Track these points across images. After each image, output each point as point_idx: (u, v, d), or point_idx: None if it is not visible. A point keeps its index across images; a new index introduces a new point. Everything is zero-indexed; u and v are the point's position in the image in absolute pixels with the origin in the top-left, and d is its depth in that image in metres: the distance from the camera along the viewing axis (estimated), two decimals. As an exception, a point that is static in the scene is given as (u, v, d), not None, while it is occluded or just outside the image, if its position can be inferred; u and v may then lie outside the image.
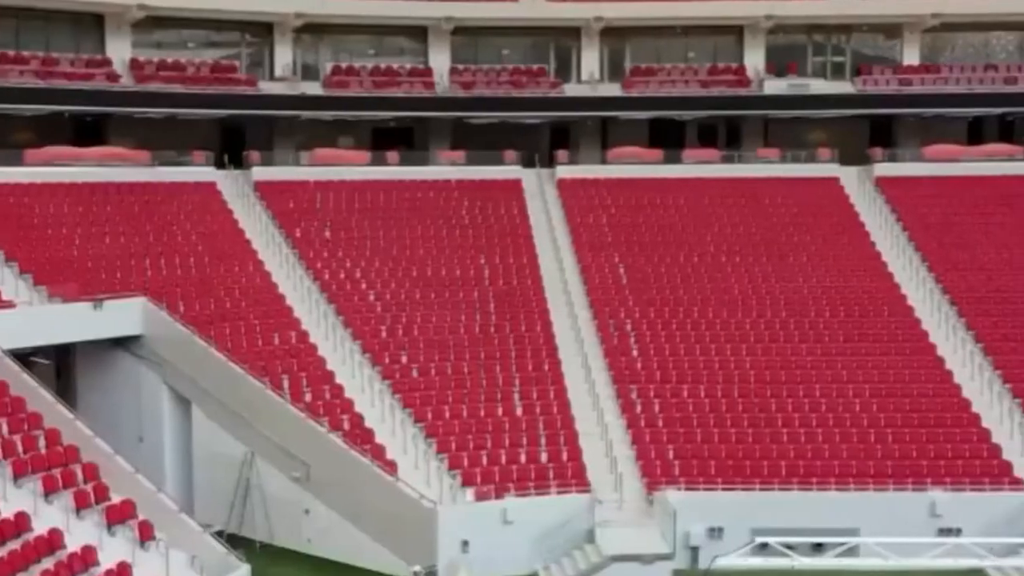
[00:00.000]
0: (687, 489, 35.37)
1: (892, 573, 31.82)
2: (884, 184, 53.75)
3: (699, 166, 55.11)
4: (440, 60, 57.48)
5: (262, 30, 55.82)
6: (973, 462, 36.63)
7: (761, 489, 35.41)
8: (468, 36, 58.31)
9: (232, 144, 54.44)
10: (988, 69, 58.14)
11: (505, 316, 44.28)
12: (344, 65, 56.96)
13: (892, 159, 55.80)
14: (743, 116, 58.49)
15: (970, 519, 34.14)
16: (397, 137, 58.90)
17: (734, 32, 58.47)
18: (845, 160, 55.25)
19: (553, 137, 58.86)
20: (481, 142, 56.33)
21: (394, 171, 53.65)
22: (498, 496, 34.46)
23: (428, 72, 57.19)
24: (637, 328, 43.81)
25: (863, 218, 51.59)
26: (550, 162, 55.07)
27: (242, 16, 53.68)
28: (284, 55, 55.71)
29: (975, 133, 60.19)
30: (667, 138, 58.88)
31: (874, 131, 59.15)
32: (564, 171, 54.27)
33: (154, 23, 53.21)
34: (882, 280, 46.90)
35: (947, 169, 54.57)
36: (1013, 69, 58.04)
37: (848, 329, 43.58)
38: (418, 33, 57.58)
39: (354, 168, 53.37)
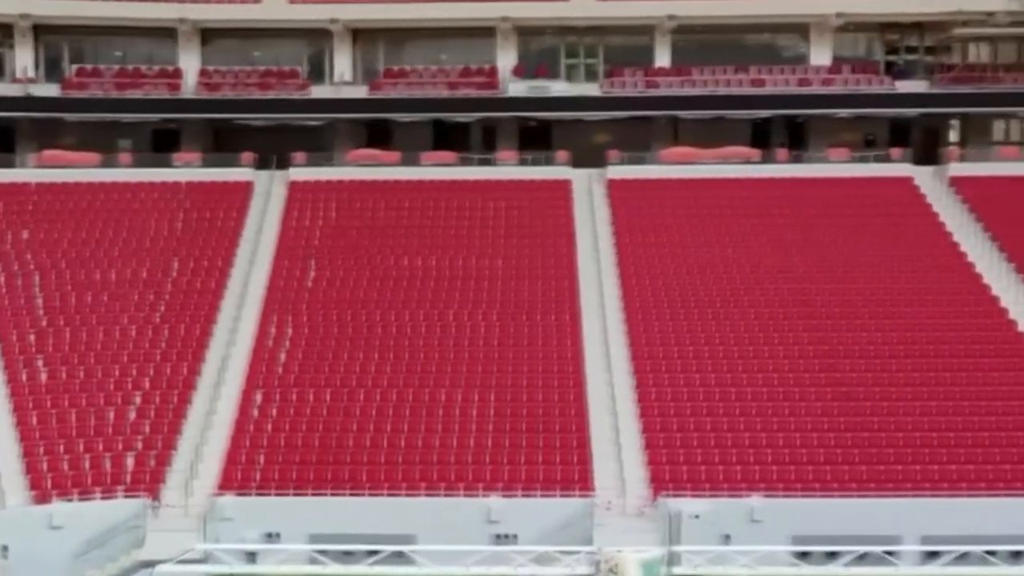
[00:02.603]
0: (258, 494, 35.27)
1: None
2: (613, 187, 53.48)
3: (437, 168, 54.86)
4: (190, 62, 57.54)
5: (1, 31, 56.03)
6: (555, 467, 36.43)
7: (330, 494, 35.23)
8: (223, 39, 58.41)
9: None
10: (739, 71, 57.64)
11: (170, 319, 44.23)
12: (89, 67, 57.06)
13: (639, 162, 55.32)
14: (497, 118, 58.09)
15: (526, 525, 33.91)
16: (177, 139, 59.15)
17: (487, 34, 58.19)
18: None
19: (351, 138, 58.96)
20: (244, 144, 56.40)
21: (127, 173, 53.88)
22: (61, 498, 34.43)
23: (177, 74, 57.26)
24: (297, 332, 43.68)
25: (577, 221, 51.34)
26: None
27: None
28: (24, 56, 55.88)
29: (761, 136, 59.85)
30: (454, 140, 58.98)
31: (676, 132, 58.65)
32: (298, 173, 54.18)
33: None
34: (564, 281, 46.67)
35: (683, 172, 54.17)
36: (764, 71, 57.42)
37: (500, 332, 43.43)
38: (168, 35, 57.59)
39: (85, 170, 53.41)
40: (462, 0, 55.97)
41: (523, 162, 55.79)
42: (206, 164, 55.02)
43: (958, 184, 52.70)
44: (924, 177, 53.56)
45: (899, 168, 53.96)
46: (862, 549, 31.75)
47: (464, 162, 55.64)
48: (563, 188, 53.58)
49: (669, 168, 54.46)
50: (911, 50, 58.37)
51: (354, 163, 55.53)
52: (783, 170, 54.37)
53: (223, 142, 57.89)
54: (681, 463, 36.45)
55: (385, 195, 52.94)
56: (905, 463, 36.12)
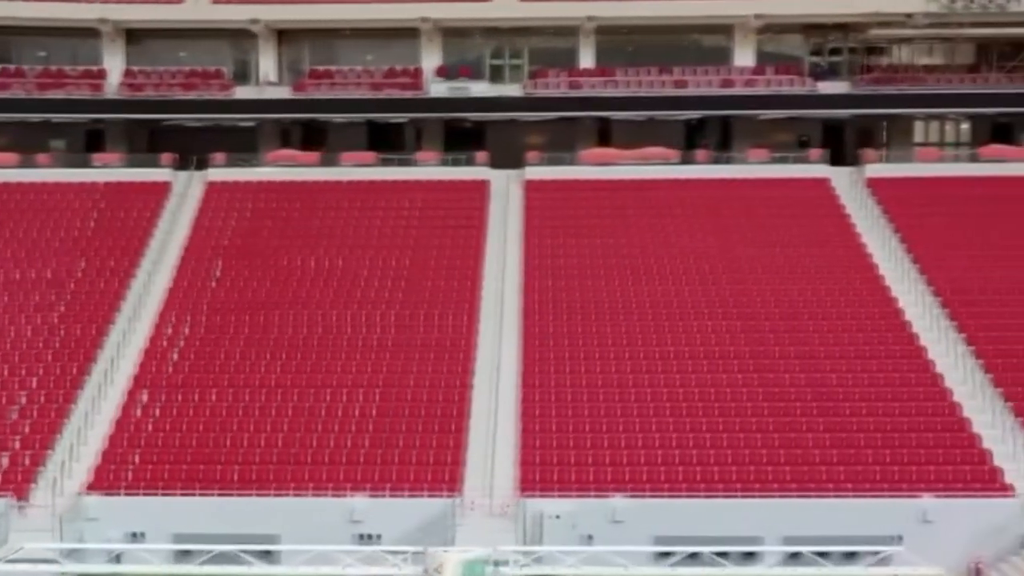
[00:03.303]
0: (126, 493, 35.25)
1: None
2: (531, 187, 53.50)
3: (356, 169, 54.91)
4: (114, 62, 57.71)
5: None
6: (427, 468, 36.36)
7: (198, 494, 35.20)
8: (150, 39, 58.59)
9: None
10: (663, 72, 57.62)
11: (68, 320, 44.28)
12: (13, 67, 57.25)
13: (560, 163, 55.32)
14: (424, 118, 58.15)
15: (389, 525, 33.84)
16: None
17: (412, 35, 58.22)
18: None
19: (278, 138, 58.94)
20: (176, 145, 56.57)
21: (46, 173, 54.07)
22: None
23: (100, 74, 57.39)
24: (193, 333, 43.68)
25: (491, 221, 51.35)
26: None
27: None
28: (-51, 56, 56.22)
29: (695, 136, 59.87)
30: (388, 140, 59.07)
31: (608, 133, 58.43)
32: (216, 174, 54.27)
33: None
34: (467, 281, 46.65)
35: (602, 173, 54.20)
36: (688, 72, 57.38)
37: (395, 332, 43.34)
38: (93, 35, 57.69)
39: (4, 171, 53.65)
40: (383, 1, 55.77)
41: (444, 162, 55.55)
42: (127, 164, 55.04)
43: (874, 185, 52.60)
44: (841, 178, 53.41)
45: (816, 169, 53.92)
46: (720, 549, 31.59)
47: (384, 162, 55.51)
48: (481, 188, 53.64)
49: (588, 169, 54.54)
50: (835, 51, 58.15)
51: (273, 164, 55.31)
52: (703, 171, 54.39)
53: (157, 142, 58.02)
54: (554, 464, 36.31)
55: (302, 196, 52.97)
56: (776, 464, 35.96)
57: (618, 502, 33.71)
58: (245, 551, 29.67)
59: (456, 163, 55.59)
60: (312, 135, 59.78)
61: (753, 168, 54.35)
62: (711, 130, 59.75)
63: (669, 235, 49.46)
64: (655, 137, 57.27)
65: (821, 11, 55.37)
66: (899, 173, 52.88)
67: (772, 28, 57.02)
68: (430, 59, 57.89)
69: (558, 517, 33.26)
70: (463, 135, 59.36)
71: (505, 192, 53.30)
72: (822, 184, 53.07)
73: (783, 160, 54.66)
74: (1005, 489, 34.38)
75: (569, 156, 55.31)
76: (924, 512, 33.27)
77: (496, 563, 27.12)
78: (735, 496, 34.38)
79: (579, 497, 34.53)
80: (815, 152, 54.66)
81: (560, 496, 34.64)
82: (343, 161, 55.31)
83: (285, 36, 58.52)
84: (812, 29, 57.93)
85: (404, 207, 52.05)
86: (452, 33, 58.09)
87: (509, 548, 28.37)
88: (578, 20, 55.93)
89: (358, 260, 48.12)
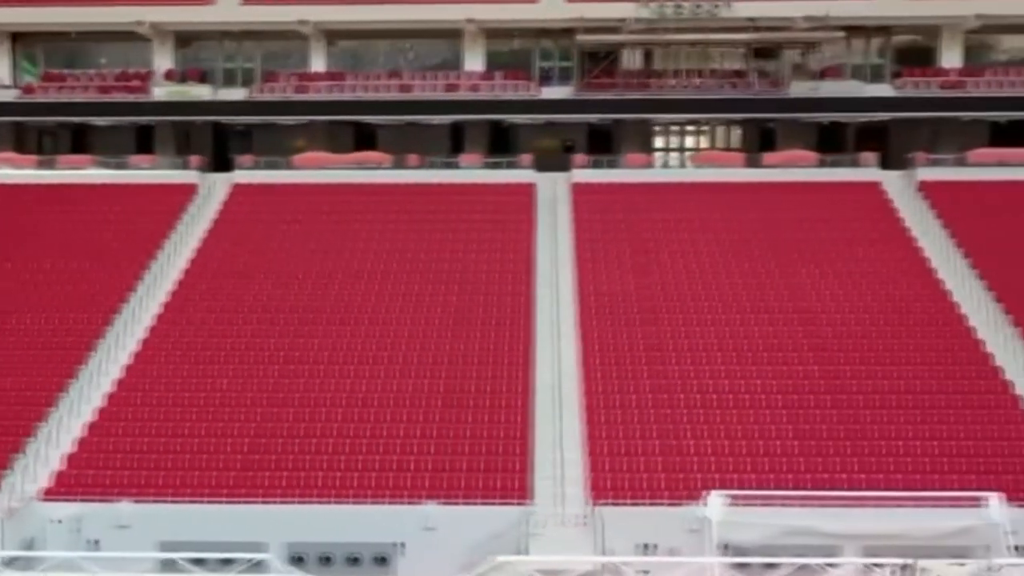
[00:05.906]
0: None
1: None
2: (237, 191, 53.45)
3: (71, 172, 54.76)
4: None
5: None
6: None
7: None
8: None
9: None
10: (392, 76, 57.37)
11: None
12: None
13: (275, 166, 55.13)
14: (152, 121, 57.95)
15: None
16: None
17: (143, 39, 58.08)
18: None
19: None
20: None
21: None
22: None
23: None
24: None
25: (180, 226, 50.98)
26: None
27: None
28: None
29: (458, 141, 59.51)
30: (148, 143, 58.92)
31: (374, 138, 58.29)
32: (-72, 177, 54.12)
33: None
34: (120, 284, 46.20)
35: (313, 177, 54.08)
36: (417, 77, 57.09)
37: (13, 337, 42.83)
38: None
39: None
40: (102, 5, 55.57)
41: (155, 165, 55.41)
42: None
43: (578, 190, 52.01)
44: (547, 184, 52.82)
45: (524, 175, 53.32)
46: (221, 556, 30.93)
47: (102, 165, 55.27)
48: (188, 192, 53.26)
49: (300, 173, 54.08)
50: (566, 56, 57.60)
51: (-5, 165, 55.22)
52: (415, 175, 53.89)
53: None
54: (99, 468, 35.77)
55: (11, 200, 52.70)
56: (307, 469, 35.26)
57: (125, 507, 33.14)
58: None
59: (175, 166, 55.24)
60: (78, 137, 59.65)
61: (466, 173, 53.73)
62: (475, 135, 59.11)
63: (347, 240, 48.89)
64: (420, 142, 56.84)
65: (533, 16, 54.83)
66: (603, 179, 52.25)
67: (494, 33, 56.34)
68: (161, 62, 57.60)
69: (60, 521, 32.69)
70: (234, 137, 59.14)
71: (208, 196, 52.92)
72: (526, 190, 52.47)
73: (496, 166, 53.97)
74: (524, 497, 33.55)
75: (284, 160, 54.71)
76: (427, 519, 32.56)
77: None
78: (242, 502, 33.67)
79: (102, 501, 33.90)
80: (525, 158, 53.96)
81: (83, 500, 34.05)
82: (60, 164, 54.94)
83: (20, 39, 58.29)
84: (542, 34, 57.29)
85: (102, 211, 51.70)
86: (184, 37, 57.80)
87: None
88: (293, 24, 55.37)
89: (27, 264, 47.66)
